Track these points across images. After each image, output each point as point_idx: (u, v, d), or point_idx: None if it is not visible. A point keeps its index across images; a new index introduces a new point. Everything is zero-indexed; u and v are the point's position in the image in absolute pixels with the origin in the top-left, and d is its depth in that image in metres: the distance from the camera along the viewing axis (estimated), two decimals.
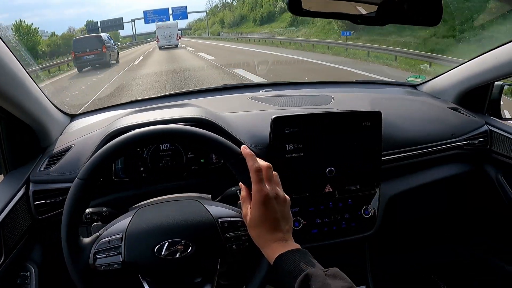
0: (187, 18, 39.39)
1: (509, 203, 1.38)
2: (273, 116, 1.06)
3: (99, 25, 31.00)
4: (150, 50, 23.20)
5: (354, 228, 1.16)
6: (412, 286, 1.61)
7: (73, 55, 13.68)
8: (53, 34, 29.69)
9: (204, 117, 1.10)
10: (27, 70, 1.08)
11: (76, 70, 13.48)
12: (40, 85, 1.17)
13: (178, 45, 23.97)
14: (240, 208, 0.89)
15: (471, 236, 1.66)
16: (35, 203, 1.06)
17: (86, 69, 13.51)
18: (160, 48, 23.31)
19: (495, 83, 1.47)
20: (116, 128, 1.06)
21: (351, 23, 0.90)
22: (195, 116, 1.10)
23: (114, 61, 14.73)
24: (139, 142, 0.82)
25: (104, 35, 14.74)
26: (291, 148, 1.08)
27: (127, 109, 1.36)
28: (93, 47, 13.50)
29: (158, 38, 24.04)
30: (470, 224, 1.63)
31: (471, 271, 1.65)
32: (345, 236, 1.16)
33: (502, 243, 1.56)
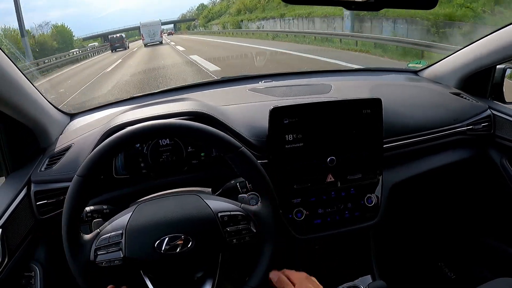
0: None
1: None
2: (271, 107, 1.05)
3: None
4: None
5: (358, 217, 1.15)
6: (418, 273, 1.60)
7: (110, 44, 25.43)
8: None
9: (202, 111, 1.09)
10: (23, 72, 1.08)
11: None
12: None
13: (163, 42, 25.47)
14: (241, 202, 0.89)
15: (476, 222, 1.64)
16: (37, 203, 1.07)
17: (114, 51, 24.23)
18: (145, 45, 24.45)
19: (497, 66, 1.45)
20: (114, 125, 1.06)
21: None
22: (192, 110, 1.09)
23: (128, 47, 26.02)
24: (136, 138, 0.82)
25: (122, 35, 27.04)
26: (290, 138, 1.07)
27: (127, 105, 1.37)
28: (119, 40, 25.40)
29: (143, 36, 25.66)
30: (475, 210, 1.61)
31: (477, 257, 1.63)
32: (348, 226, 1.14)
33: (507, 229, 1.54)
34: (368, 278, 1.24)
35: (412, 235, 1.61)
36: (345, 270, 1.25)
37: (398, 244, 1.58)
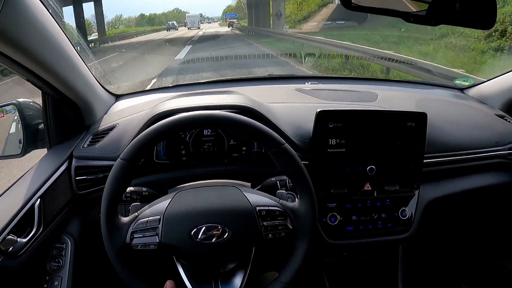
0: None
1: None
2: (318, 110, 1.04)
3: None
4: None
5: (390, 229, 1.14)
6: None
7: (185, 23, 40.05)
8: None
9: (249, 105, 1.10)
10: (77, 49, 1.10)
11: None
12: None
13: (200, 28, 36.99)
14: (279, 197, 0.88)
15: (503, 248, 1.60)
16: (77, 178, 1.09)
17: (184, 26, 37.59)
18: (188, 28, 36.98)
19: None
20: (161, 111, 1.07)
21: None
22: (239, 104, 1.10)
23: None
24: (183, 126, 0.82)
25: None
26: (333, 143, 1.06)
27: (172, 92, 1.38)
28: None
29: (186, 23, 39.01)
30: (504, 235, 1.57)
31: (500, 283, 1.59)
32: (380, 236, 1.13)
33: None
34: None
35: (439, 254, 1.58)
36: (369, 281, 1.23)
37: (424, 261, 1.55)
